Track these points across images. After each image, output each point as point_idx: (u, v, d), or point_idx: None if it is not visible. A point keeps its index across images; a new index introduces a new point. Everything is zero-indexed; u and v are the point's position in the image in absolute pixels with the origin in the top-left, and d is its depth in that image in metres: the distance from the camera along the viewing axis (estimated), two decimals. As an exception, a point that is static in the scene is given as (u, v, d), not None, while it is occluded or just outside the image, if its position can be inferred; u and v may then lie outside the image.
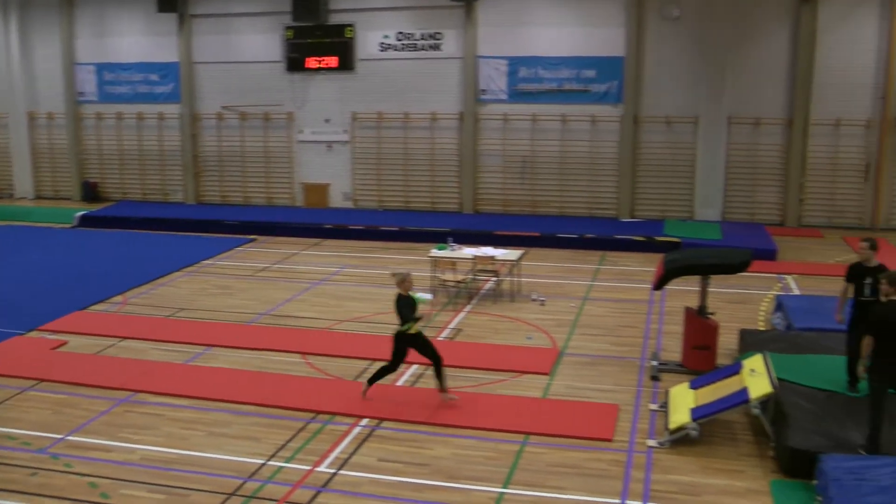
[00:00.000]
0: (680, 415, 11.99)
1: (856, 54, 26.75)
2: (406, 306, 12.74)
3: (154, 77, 31.37)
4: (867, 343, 10.59)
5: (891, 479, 9.84)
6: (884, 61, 26.65)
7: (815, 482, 10.27)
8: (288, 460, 11.10)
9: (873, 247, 12.46)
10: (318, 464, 11.00)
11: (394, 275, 13.09)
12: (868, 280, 12.29)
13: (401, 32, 28.73)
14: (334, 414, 12.50)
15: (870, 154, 27.24)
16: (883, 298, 10.93)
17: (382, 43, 28.88)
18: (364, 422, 12.28)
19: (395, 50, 28.85)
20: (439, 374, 12.88)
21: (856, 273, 12.49)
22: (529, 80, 28.24)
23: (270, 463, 11.03)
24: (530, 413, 12.69)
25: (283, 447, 11.47)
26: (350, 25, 28.97)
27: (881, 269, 12.26)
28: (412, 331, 12.76)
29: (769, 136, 27.53)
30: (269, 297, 19.20)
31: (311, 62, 29.36)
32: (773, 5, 26.98)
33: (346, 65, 29.18)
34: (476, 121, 28.56)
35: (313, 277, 21.05)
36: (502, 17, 27.97)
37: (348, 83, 29.39)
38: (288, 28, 29.33)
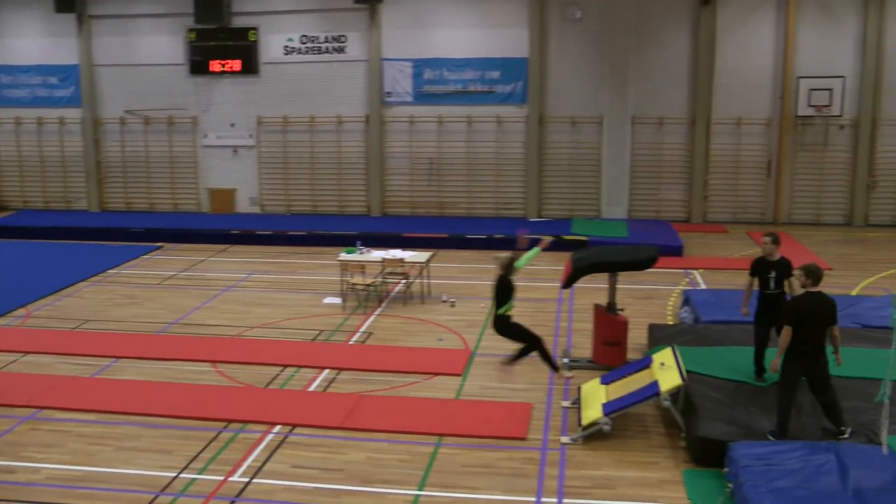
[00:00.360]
0: (592, 410, 12.13)
1: (754, 55, 27.52)
2: (504, 290, 13.15)
3: (53, 80, 30.64)
4: (786, 333, 10.90)
5: (797, 464, 10.16)
6: (781, 62, 27.40)
7: (725, 470, 10.52)
8: (200, 472, 10.97)
9: (776, 241, 12.78)
10: (231, 473, 10.91)
11: (496, 258, 13.50)
12: (772, 274, 12.65)
13: (304, 35, 28.59)
14: (246, 422, 12.39)
15: (770, 151, 27.96)
16: (792, 291, 11.36)
17: (286, 46, 28.69)
18: (277, 429, 12.20)
19: (300, 53, 28.69)
20: (545, 356, 13.26)
21: (759, 267, 12.83)
22: (434, 82, 28.31)
23: (182, 475, 10.88)
24: (444, 414, 12.74)
25: (195, 458, 11.33)
26: (253, 28, 28.72)
27: (784, 262, 12.64)
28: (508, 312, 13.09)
29: (673, 135, 28.04)
30: (177, 306, 18.96)
31: (215, 65, 29.04)
32: (673, 8, 27.52)
33: (250, 68, 28.93)
34: (382, 123, 28.55)
35: (221, 284, 20.85)
36: (406, 19, 28.01)
37: (253, 87, 29.15)
38: (190, 30, 28.97)
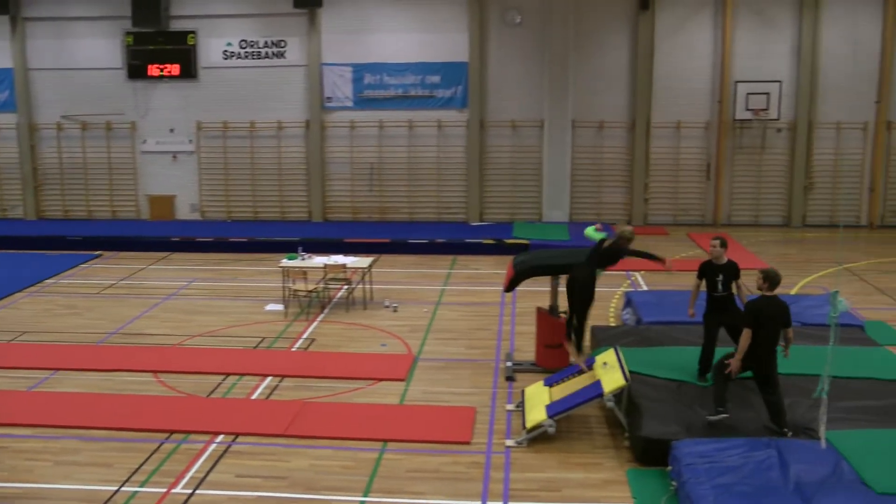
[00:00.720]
0: (536, 413, 12.19)
1: (693, 60, 27.90)
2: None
3: (-14, 85, 30.19)
4: (746, 335, 11.16)
5: (739, 460, 10.34)
6: (719, 67, 27.78)
7: (669, 468, 10.65)
8: (142, 484, 10.82)
9: (724, 245, 12.99)
10: (173, 485, 10.77)
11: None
12: (720, 277, 12.84)
13: (244, 40, 28.39)
14: (189, 432, 12.24)
15: (709, 154, 28.28)
16: (739, 293, 12.03)
17: (226, 51, 28.45)
18: (220, 438, 12.08)
19: (239, 58, 28.47)
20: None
21: (708, 270, 13.03)
22: (375, 87, 28.26)
23: (124, 489, 10.71)
24: (388, 420, 12.70)
25: (136, 471, 11.16)
26: (192, 32, 28.45)
27: (731, 265, 12.86)
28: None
29: (613, 138, 28.27)
30: (117, 315, 18.68)
31: (153, 70, 28.69)
32: (612, 13, 27.75)
33: (189, 73, 28.64)
34: (322, 128, 28.43)
35: (162, 292, 20.61)
36: (346, 24, 27.92)
37: (192, 91, 28.88)
38: (128, 34, 28.57)
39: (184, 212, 29.47)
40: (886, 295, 20.10)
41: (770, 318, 11.17)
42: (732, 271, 12.84)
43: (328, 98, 28.34)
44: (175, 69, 28.58)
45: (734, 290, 12.88)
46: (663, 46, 27.86)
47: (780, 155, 28.36)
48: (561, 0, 27.25)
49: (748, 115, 27.47)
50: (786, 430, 11.25)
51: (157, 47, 28.51)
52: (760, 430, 11.38)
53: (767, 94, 27.30)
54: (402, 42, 27.96)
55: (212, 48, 28.49)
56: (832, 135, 28.12)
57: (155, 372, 14.83)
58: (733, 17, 27.49)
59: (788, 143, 28.19)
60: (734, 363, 11.36)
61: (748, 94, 27.34)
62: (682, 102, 28.05)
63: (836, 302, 10.38)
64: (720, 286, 12.82)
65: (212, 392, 13.91)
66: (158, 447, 11.82)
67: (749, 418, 11.74)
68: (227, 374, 14.53)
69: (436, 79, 28.09)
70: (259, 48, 28.33)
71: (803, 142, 27.92)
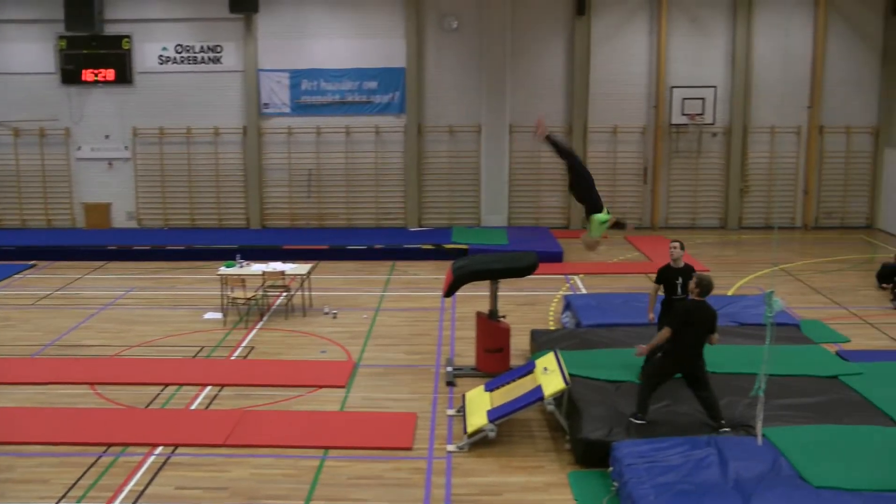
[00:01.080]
0: (477, 418, 12.23)
1: (629, 65, 28.21)
2: None
3: (-87, 90, 29.41)
4: (665, 333, 11.50)
5: (679, 459, 10.51)
6: (654, 72, 28.09)
7: (610, 469, 10.76)
8: (80, 500, 10.65)
9: (683, 248, 13.24)
10: (112, 500, 10.63)
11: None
12: (679, 280, 13.15)
13: (179, 45, 28.06)
14: (127, 445, 12.07)
15: (646, 158, 28.56)
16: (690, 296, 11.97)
17: (161, 55, 28.09)
18: (159, 450, 11.94)
19: (175, 63, 28.16)
20: None
21: (667, 274, 13.37)
22: (312, 93, 28.15)
23: None
24: (328, 427, 12.69)
25: (73, 486, 10.98)
26: (127, 37, 28.07)
27: (689, 268, 13.11)
28: None
29: (550, 142, 28.35)
30: (52, 327, 18.35)
31: (88, 75, 28.22)
32: (548, 18, 27.92)
33: (125, 78, 28.21)
34: (260, 135, 28.25)
35: (99, 302, 20.32)
36: (282, 30, 27.76)
37: (127, 97, 28.46)
38: (61, 38, 28.09)
39: (120, 220, 29.06)
40: (821, 294, 20.44)
41: (698, 322, 11.43)
42: (690, 274, 13.01)
43: (265, 104, 28.16)
44: (110, 74, 28.18)
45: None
46: (599, 52, 28.10)
47: (715, 159, 28.74)
48: (498, 6, 27.37)
49: (684, 120, 27.81)
50: (723, 422, 11.46)
51: (92, 52, 28.07)
52: (697, 426, 11.59)
53: (703, 99, 27.65)
54: (339, 48, 27.88)
55: (147, 53, 28.12)
56: (766, 139, 28.57)
57: (92, 384, 14.60)
58: (668, 24, 27.83)
59: (724, 147, 28.58)
60: (643, 348, 11.93)
61: (684, 99, 27.67)
62: (618, 107, 28.32)
63: (772, 302, 10.56)
64: (679, 289, 13.09)
65: (150, 403, 13.75)
66: (96, 461, 11.65)
67: (683, 412, 12.01)
68: (166, 385, 14.38)
69: (373, 84, 28.05)
70: (195, 53, 28.07)
71: (738, 146, 28.32)
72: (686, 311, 11.51)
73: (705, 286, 11.50)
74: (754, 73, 28.12)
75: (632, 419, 11.56)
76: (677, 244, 13.38)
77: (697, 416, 11.82)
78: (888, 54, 28.13)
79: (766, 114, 28.36)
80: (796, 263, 23.56)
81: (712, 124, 28.04)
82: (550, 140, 14.44)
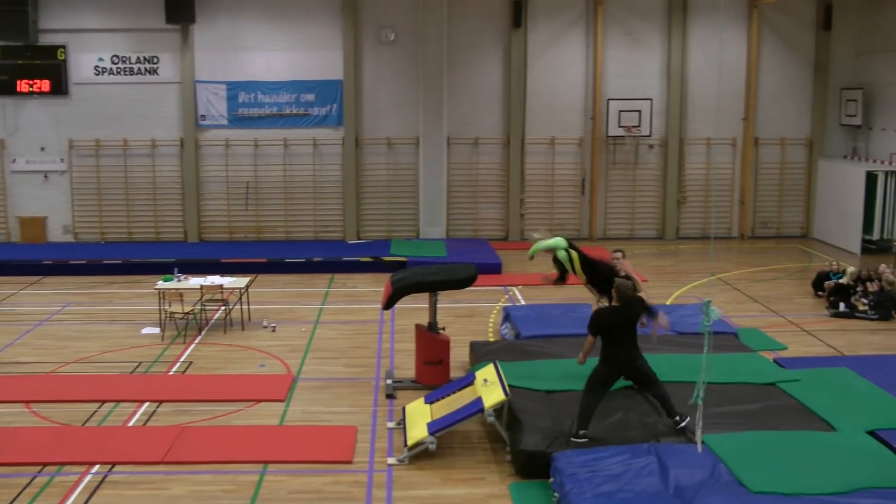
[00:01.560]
0: (417, 430, 12.23)
1: (565, 78, 28.49)
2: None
3: None
4: (589, 342, 11.77)
5: (620, 468, 10.62)
6: (591, 85, 28.32)
7: (551, 480, 10.82)
8: (15, 520, 10.50)
9: (624, 256, 13.39)
10: (48, 518, 10.49)
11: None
12: None
13: (116, 55, 27.68)
14: (63, 464, 11.87)
15: (584, 170, 28.74)
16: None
17: (97, 66, 27.70)
18: (96, 468, 11.75)
19: (111, 74, 27.78)
20: None
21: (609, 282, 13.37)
22: (249, 105, 27.98)
23: (-6, 527, 10.42)
24: (268, 441, 12.60)
25: (8, 506, 10.81)
26: (62, 47, 27.67)
27: (628, 278, 13.15)
28: None
29: (488, 154, 28.53)
30: (-15, 343, 18.11)
31: (22, 85, 27.70)
32: (485, 30, 28.06)
33: (60, 89, 27.75)
34: (197, 147, 27.99)
35: (34, 318, 19.95)
36: (219, 41, 27.56)
37: (63, 108, 28.01)
38: (-6, 48, 27.76)
39: (56, 234, 28.58)
40: (758, 303, 20.72)
41: (616, 324, 11.57)
42: (633, 282, 13.18)
43: (202, 116, 27.93)
44: (45, 85, 27.70)
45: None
46: (536, 64, 28.28)
47: (652, 170, 29.04)
48: (434, 18, 27.43)
49: (621, 132, 28.07)
50: (677, 418, 11.60)
51: (26, 62, 27.59)
52: (640, 436, 11.67)
53: (639, 111, 27.96)
54: (276, 60, 27.76)
55: (83, 63, 27.72)
56: (702, 150, 28.93)
57: (27, 402, 14.35)
58: (604, 37, 28.09)
59: (661, 158, 28.89)
60: (580, 357, 12.20)
61: (620, 111, 27.95)
62: (555, 119, 28.53)
63: (709, 311, 10.70)
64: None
65: (87, 421, 13.54)
66: (31, 481, 11.45)
67: (627, 423, 12.05)
68: (103, 402, 14.18)
69: (311, 97, 27.96)
70: (132, 64, 27.75)
71: (675, 157, 28.65)
72: (598, 316, 11.79)
73: (621, 293, 11.65)
74: (689, 86, 28.49)
75: (572, 439, 11.52)
76: (619, 253, 13.56)
77: (640, 425, 11.93)
78: (819, 68, 28.72)
79: (701, 126, 28.74)
80: (733, 273, 23.84)
81: (649, 136, 28.36)
82: None
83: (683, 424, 11.61)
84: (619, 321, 11.58)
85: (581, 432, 11.52)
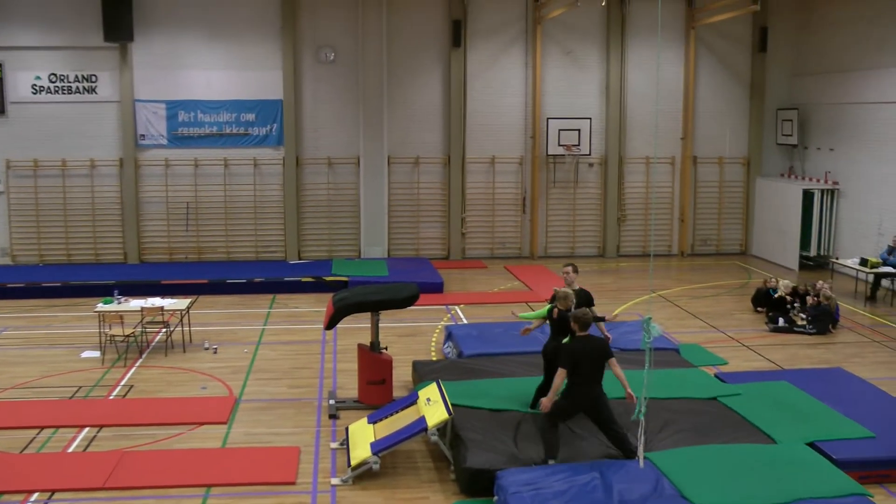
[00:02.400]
0: (360, 450, 12.21)
1: (505, 97, 28.77)
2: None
3: None
4: (560, 375, 11.53)
5: (564, 485, 10.70)
6: (530, 104, 28.59)
7: (495, 498, 10.88)
8: (-49, 549, 10.30)
9: (576, 271, 13.48)
10: (-15, 546, 10.31)
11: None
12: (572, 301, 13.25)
13: (53, 74, 27.37)
14: (1, 493, 11.63)
15: (524, 188, 28.89)
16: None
17: (34, 84, 27.34)
18: (34, 496, 11.54)
19: (49, 92, 27.41)
20: None
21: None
22: (189, 125, 27.80)
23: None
24: (210, 464, 12.50)
25: (-57, 535, 10.62)
26: (-2, 65, 27.40)
27: (583, 292, 13.49)
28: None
29: (429, 174, 28.61)
30: (-81, 368, 17.72)
31: (-42, 104, 27.35)
32: (425, 50, 28.19)
33: (-4, 107, 27.48)
34: (136, 167, 27.72)
35: (-31, 342, 19.67)
36: (159, 60, 27.35)
37: (0, 128, 27.71)
38: (-72, 66, 27.28)
39: (-9, 256, 28.22)
40: (699, 319, 20.94)
41: (587, 356, 11.49)
42: (584, 298, 13.29)
43: (142, 135, 27.68)
44: (-20, 104, 27.31)
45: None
46: (476, 83, 28.46)
47: (592, 189, 29.31)
48: (374, 38, 27.49)
49: (561, 151, 28.29)
50: (634, 452, 11.59)
51: (-38, 80, 27.23)
52: (589, 456, 11.76)
53: (578, 130, 28.21)
54: (216, 79, 27.63)
55: (20, 82, 27.30)
56: (641, 169, 29.27)
57: (-38, 429, 14.08)
58: (543, 56, 28.37)
59: (600, 177, 29.17)
60: (545, 401, 11.73)
61: (560, 130, 28.18)
62: (495, 138, 28.76)
63: (650, 327, 10.80)
64: (572, 310, 13.19)
65: (25, 448, 13.27)
66: (-33, 509, 11.25)
67: (577, 447, 12.09)
68: (42, 428, 13.93)
69: (251, 116, 27.86)
70: (70, 83, 27.43)
71: (615, 176, 28.94)
72: (573, 351, 11.58)
73: (582, 321, 11.64)
74: (628, 105, 28.85)
75: (550, 461, 11.54)
76: (570, 267, 13.65)
77: (588, 446, 12.03)
78: (755, 88, 29.28)
79: (640, 144, 29.09)
80: (673, 289, 24.08)
81: (588, 155, 28.63)
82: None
83: (551, 462, 11.64)
84: (593, 352, 11.57)
85: (551, 461, 11.51)
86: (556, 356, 12.32)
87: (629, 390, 11.65)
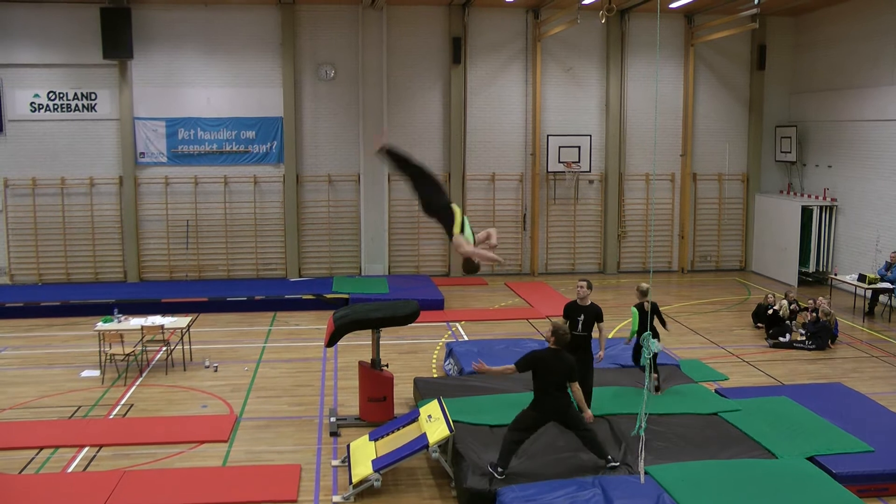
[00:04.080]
0: (362, 468, 12.20)
1: (505, 114, 28.84)
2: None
3: None
4: (508, 368, 11.90)
5: (565, 501, 10.73)
6: (530, 121, 28.63)
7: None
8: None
9: (590, 287, 13.57)
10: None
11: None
12: (581, 317, 13.61)
13: (52, 92, 27.35)
14: (-3, 514, 11.61)
15: (525, 205, 28.93)
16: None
17: (33, 102, 27.33)
18: (32, 516, 11.53)
19: (48, 110, 27.39)
20: None
21: (570, 310, 13.76)
22: (189, 142, 27.81)
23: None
24: (211, 483, 12.47)
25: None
26: (-5, 83, 27.39)
27: (594, 308, 13.64)
28: None
29: (429, 190, 28.52)
30: (-82, 387, 17.67)
31: (-45, 122, 27.31)
32: (425, 67, 28.24)
33: (-6, 126, 27.47)
34: (136, 185, 27.72)
35: (-32, 361, 19.62)
36: (158, 78, 27.37)
37: (-3, 147, 27.71)
38: (-74, 84, 27.27)
39: (-10, 275, 28.18)
40: (699, 335, 20.95)
41: (548, 369, 11.56)
42: (594, 313, 13.46)
43: (141, 153, 27.69)
44: (-22, 122, 27.29)
45: (595, 332, 13.63)
46: (476, 100, 28.51)
47: (592, 205, 29.35)
48: (374, 55, 27.57)
49: (561, 168, 28.32)
50: (609, 458, 11.64)
51: (-41, 98, 27.20)
52: (586, 470, 11.72)
53: (578, 147, 28.28)
54: (215, 96, 27.65)
55: (18, 100, 27.28)
56: (641, 186, 29.31)
57: (-40, 450, 14.00)
58: (543, 74, 28.44)
59: (600, 193, 29.22)
60: (482, 365, 12.23)
61: (560, 147, 28.23)
62: (496, 155, 28.81)
63: (650, 343, 10.83)
64: (580, 326, 13.51)
65: (23, 468, 13.20)
66: (-34, 529, 11.20)
67: (575, 461, 12.09)
68: (41, 448, 13.88)
69: (251, 134, 27.88)
70: (69, 101, 27.42)
71: (615, 192, 28.99)
72: (534, 358, 11.70)
73: (559, 336, 11.72)
74: (628, 122, 28.92)
75: (491, 470, 11.52)
76: (584, 283, 13.75)
77: (584, 459, 11.99)
78: (754, 106, 29.40)
79: (640, 161, 29.15)
80: (674, 306, 24.07)
81: (588, 172, 28.68)
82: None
83: (615, 465, 11.65)
84: (557, 367, 11.61)
85: (500, 470, 11.48)
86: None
87: (587, 412, 12.00)
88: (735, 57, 29.40)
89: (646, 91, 28.91)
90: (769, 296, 21.95)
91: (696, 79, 29.16)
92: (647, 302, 14.48)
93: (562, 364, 11.60)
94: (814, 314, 20.23)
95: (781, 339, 20.15)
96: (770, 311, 20.97)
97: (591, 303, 13.78)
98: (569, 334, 11.99)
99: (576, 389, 11.74)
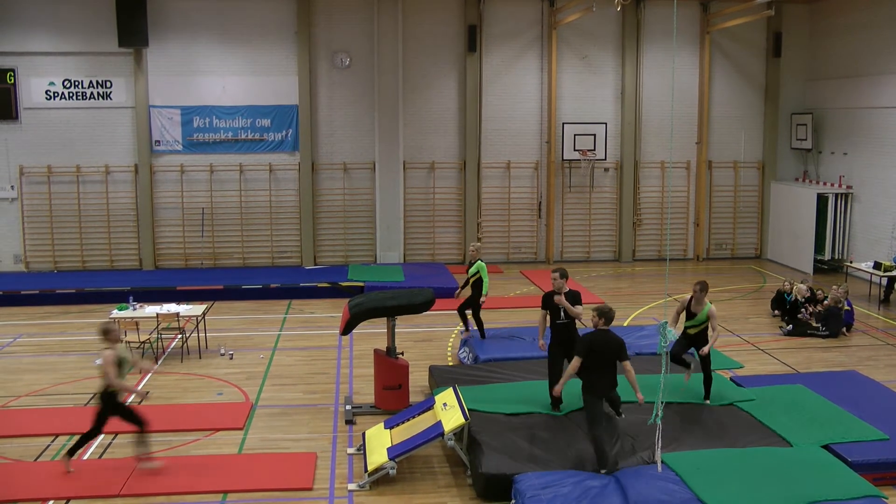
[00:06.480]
0: (377, 455, 12.21)
1: (520, 102, 28.74)
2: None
3: None
4: (575, 363, 11.71)
5: (581, 489, 10.81)
6: (546, 109, 28.53)
7: (512, 502, 10.91)
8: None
9: (563, 276, 13.58)
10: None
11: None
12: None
13: (67, 80, 27.37)
14: (16, 501, 11.63)
15: (540, 193, 28.88)
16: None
17: (48, 91, 27.36)
18: None
19: (63, 98, 27.44)
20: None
21: (550, 300, 13.57)
22: (204, 130, 27.83)
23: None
24: (227, 470, 12.50)
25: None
26: (10, 70, 27.28)
27: (572, 293, 13.50)
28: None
29: (444, 179, 28.58)
30: (-65, 375, 17.74)
31: (-30, 110, 27.38)
32: (440, 55, 28.16)
33: (9, 114, 27.30)
34: (151, 173, 27.76)
35: (-15, 349, 19.72)
36: (173, 66, 27.38)
37: (13, 134, 27.56)
38: (-59, 73, 27.36)
39: (7, 263, 28.16)
40: (714, 324, 20.83)
41: (602, 350, 11.64)
42: (573, 299, 13.32)
43: (157, 141, 27.72)
44: (-7, 110, 27.34)
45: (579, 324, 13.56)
46: (491, 88, 28.43)
47: (608, 193, 29.27)
48: (389, 43, 27.54)
49: (576, 156, 28.26)
50: (603, 470, 11.52)
51: (-27, 86, 27.27)
52: (593, 457, 11.77)
53: (594, 135, 28.18)
54: (231, 85, 27.65)
55: (33, 88, 27.33)
56: (657, 174, 29.20)
57: (-23, 437, 14.04)
58: (558, 61, 28.32)
59: (616, 181, 29.13)
60: (557, 387, 12.33)
61: (575, 135, 28.15)
62: (511, 143, 28.74)
63: (665, 332, 10.80)
64: (562, 313, 13.42)
65: (39, 455, 13.29)
66: (-18, 518, 11.24)
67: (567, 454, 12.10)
68: (56, 435, 13.95)
69: (266, 122, 27.88)
70: (84, 89, 27.45)
71: (630, 180, 28.89)
72: (590, 341, 11.72)
73: (606, 314, 11.80)
74: (643, 110, 28.81)
75: (602, 471, 11.52)
76: (557, 273, 13.65)
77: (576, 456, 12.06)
78: (770, 93, 29.20)
79: (655, 149, 29.06)
80: (689, 294, 23.91)
81: (604, 160, 28.59)
82: None
83: (603, 472, 11.60)
84: (608, 346, 11.71)
85: (604, 471, 11.50)
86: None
87: (639, 395, 11.92)
88: (751, 44, 29.25)
89: (661, 79, 28.80)
90: (786, 283, 21.86)
91: (712, 66, 29.04)
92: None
93: (612, 343, 11.70)
94: (822, 301, 20.32)
95: (792, 320, 20.18)
96: (790, 302, 20.90)
97: (570, 289, 13.71)
98: (614, 311, 12.04)
99: (628, 368, 11.75)
